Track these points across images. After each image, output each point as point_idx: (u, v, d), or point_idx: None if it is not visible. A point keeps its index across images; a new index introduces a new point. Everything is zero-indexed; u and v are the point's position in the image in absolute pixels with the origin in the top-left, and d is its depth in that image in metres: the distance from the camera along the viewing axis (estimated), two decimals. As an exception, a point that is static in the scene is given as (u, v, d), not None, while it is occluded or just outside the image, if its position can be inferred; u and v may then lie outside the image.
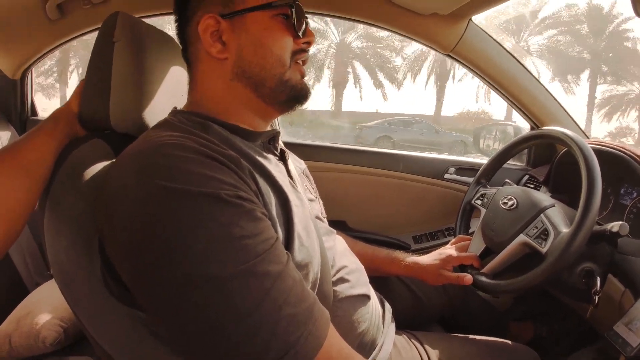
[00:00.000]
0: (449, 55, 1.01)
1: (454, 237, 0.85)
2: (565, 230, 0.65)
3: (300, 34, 0.53)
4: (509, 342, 0.75)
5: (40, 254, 1.06)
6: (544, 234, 0.66)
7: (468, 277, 0.71)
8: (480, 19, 0.96)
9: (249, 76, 0.52)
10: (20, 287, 0.98)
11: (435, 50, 1.01)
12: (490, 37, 0.99)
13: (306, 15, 0.55)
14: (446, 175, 1.18)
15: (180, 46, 0.57)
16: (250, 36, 0.51)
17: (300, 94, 0.55)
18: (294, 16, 0.52)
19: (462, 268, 0.77)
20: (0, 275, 0.97)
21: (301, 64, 0.55)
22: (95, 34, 0.56)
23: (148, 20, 0.70)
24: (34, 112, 1.37)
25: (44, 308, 0.81)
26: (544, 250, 0.65)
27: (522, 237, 0.69)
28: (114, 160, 0.51)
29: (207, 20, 0.50)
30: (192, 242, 0.36)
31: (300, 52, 0.54)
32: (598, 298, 0.62)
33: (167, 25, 0.58)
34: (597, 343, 0.89)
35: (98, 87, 0.53)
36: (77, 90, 0.58)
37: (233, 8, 0.50)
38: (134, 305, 0.43)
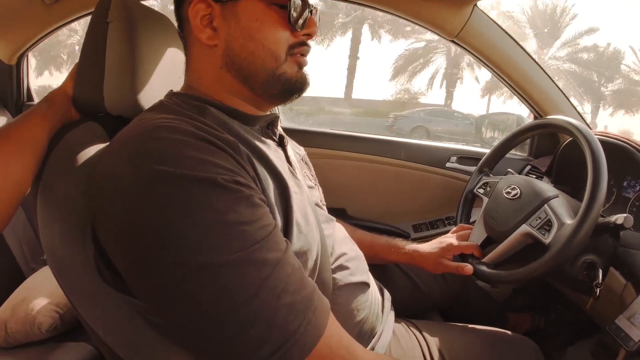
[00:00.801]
0: (453, 41, 0.99)
1: (455, 226, 0.85)
2: (569, 221, 0.64)
3: (298, 26, 0.49)
4: (509, 332, 0.75)
5: (37, 240, 1.06)
6: (547, 225, 0.66)
7: (468, 267, 0.71)
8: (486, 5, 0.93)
9: (238, 68, 0.49)
10: (16, 273, 0.98)
11: (440, 35, 0.98)
12: (496, 23, 0.97)
13: (311, 3, 0.51)
14: (447, 164, 1.16)
15: (177, 29, 0.55)
16: (240, 26, 0.48)
17: (295, 87, 0.51)
18: (291, 6, 0.48)
19: (463, 257, 0.76)
20: (-4, 260, 0.97)
21: (300, 56, 0.51)
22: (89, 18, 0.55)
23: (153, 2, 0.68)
24: (29, 97, 1.36)
25: (40, 294, 0.81)
26: (547, 241, 0.64)
27: (524, 227, 0.68)
28: (107, 143, 0.50)
29: (197, 3, 0.48)
30: (186, 228, 0.35)
31: (299, 46, 0.50)
32: (599, 290, 0.62)
33: (171, 5, 0.56)
34: (595, 336, 0.89)
35: (92, 69, 0.52)
36: (72, 73, 0.56)
37: None
38: (128, 292, 0.42)
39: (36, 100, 1.37)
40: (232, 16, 0.48)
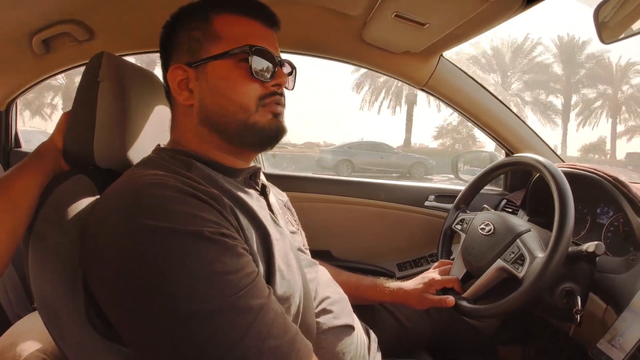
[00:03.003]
0: (422, 89, 1.07)
1: (437, 262, 0.87)
2: (540, 255, 0.67)
3: (265, 79, 0.52)
4: None
5: (22, 287, 1.04)
6: (520, 259, 0.68)
7: (450, 299, 0.72)
8: (450, 54, 1.03)
9: (212, 122, 0.53)
10: (2, 319, 0.95)
11: (409, 84, 1.07)
12: (461, 70, 1.05)
13: (277, 57, 0.54)
14: (426, 203, 1.21)
15: (164, 89, 0.59)
16: (209, 85, 0.52)
17: (270, 134, 0.53)
18: (251, 63, 0.51)
19: (445, 292, 0.78)
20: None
21: (275, 105, 0.54)
22: (80, 70, 0.58)
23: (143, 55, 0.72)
24: (17, 143, 1.37)
25: (27, 339, 0.78)
26: (520, 275, 0.66)
27: (499, 262, 0.71)
28: (97, 196, 0.52)
29: (174, 70, 0.53)
30: (177, 279, 0.37)
31: (270, 96, 0.53)
32: (580, 317, 0.63)
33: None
34: (585, 361, 0.90)
35: (83, 124, 0.54)
36: (60, 125, 0.58)
37: (198, 57, 0.52)
38: (119, 341, 0.43)
39: (23, 146, 1.38)
40: (203, 77, 0.52)
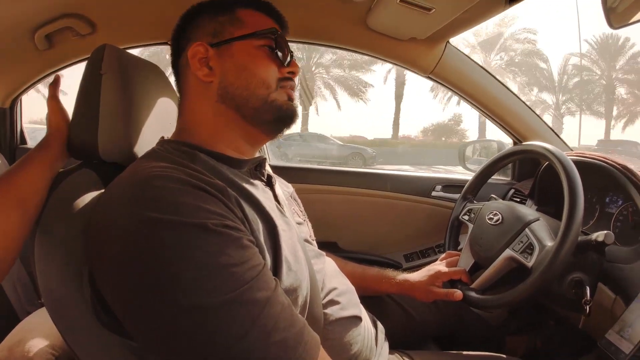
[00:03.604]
0: (429, 77, 1.05)
1: (443, 254, 0.86)
2: (549, 244, 0.66)
3: (285, 63, 0.56)
4: (504, 356, 0.75)
5: (31, 283, 1.05)
6: (529, 249, 0.68)
7: (458, 293, 0.72)
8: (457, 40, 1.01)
9: (232, 97, 0.54)
10: (11, 316, 0.97)
11: (415, 72, 1.05)
12: (468, 57, 1.03)
13: (291, 50, 0.58)
14: (433, 193, 1.20)
15: (174, 77, 0.60)
16: (234, 61, 0.54)
17: (286, 114, 0.56)
18: (275, 45, 0.55)
19: (452, 283, 0.77)
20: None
21: (289, 89, 0.57)
22: (84, 64, 0.57)
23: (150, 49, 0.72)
24: (23, 140, 1.37)
25: (36, 335, 0.80)
26: (529, 264, 0.66)
27: (508, 252, 0.70)
28: (102, 190, 0.52)
29: (196, 47, 0.54)
30: (181, 272, 0.37)
31: (285, 80, 0.56)
32: (589, 307, 0.63)
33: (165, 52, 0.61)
34: (594, 352, 0.89)
35: (86, 118, 0.54)
36: (65, 115, 0.59)
37: (221, 38, 0.54)
38: (125, 334, 0.43)
39: (29, 143, 1.39)
40: (227, 55, 0.54)
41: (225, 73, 0.54)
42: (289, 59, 0.57)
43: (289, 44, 0.59)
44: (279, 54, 0.56)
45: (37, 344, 0.77)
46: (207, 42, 0.54)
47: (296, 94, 0.59)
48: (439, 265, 0.80)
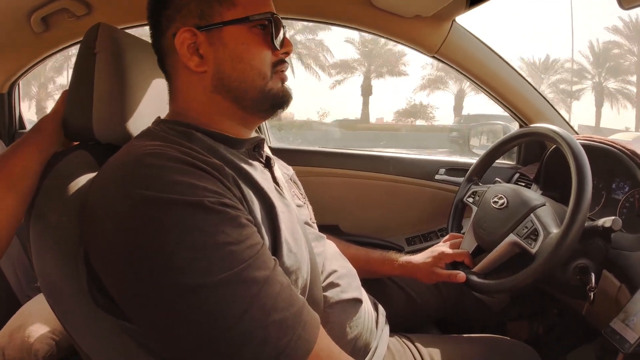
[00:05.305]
0: (434, 57, 1.02)
1: (447, 235, 0.85)
2: (555, 230, 0.64)
3: (278, 45, 0.53)
4: (507, 338, 0.74)
5: (31, 267, 1.06)
6: (533, 234, 0.66)
7: (461, 275, 0.71)
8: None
9: (228, 89, 0.51)
10: (12, 300, 0.98)
11: (421, 52, 1.01)
12: (475, 37, 1.00)
13: (284, 25, 0.54)
14: (437, 176, 1.18)
15: (157, 57, 0.55)
16: (228, 50, 0.50)
17: (282, 100, 0.54)
18: (272, 29, 0.51)
19: (455, 266, 0.77)
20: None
21: (281, 72, 0.55)
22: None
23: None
24: (22, 125, 1.37)
25: (36, 321, 0.81)
26: (533, 250, 0.64)
27: (512, 237, 0.69)
28: (97, 171, 0.51)
29: (183, 33, 0.49)
30: (177, 251, 0.36)
31: (279, 63, 0.54)
32: (594, 294, 0.62)
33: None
34: (597, 340, 0.89)
35: (81, 99, 0.53)
36: (61, 99, 0.57)
37: (210, 21, 0.49)
38: (122, 316, 0.43)
39: (28, 128, 1.38)
40: (219, 42, 0.50)
41: (220, 64, 0.50)
42: (282, 37, 0.54)
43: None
44: (276, 38, 0.52)
45: (38, 329, 0.78)
46: (194, 25, 0.49)
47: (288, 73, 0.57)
48: (443, 247, 0.80)
